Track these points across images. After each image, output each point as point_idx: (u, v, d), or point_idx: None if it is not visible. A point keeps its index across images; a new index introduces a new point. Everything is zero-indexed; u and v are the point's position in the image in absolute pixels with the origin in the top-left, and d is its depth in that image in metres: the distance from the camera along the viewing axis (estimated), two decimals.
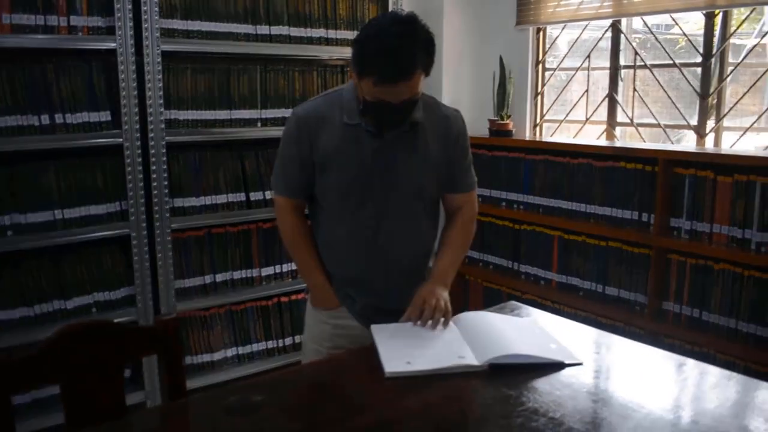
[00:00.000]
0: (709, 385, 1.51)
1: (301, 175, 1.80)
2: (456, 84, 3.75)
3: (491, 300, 3.62)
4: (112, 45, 2.56)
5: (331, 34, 3.12)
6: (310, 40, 3.06)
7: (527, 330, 1.76)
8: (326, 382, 1.54)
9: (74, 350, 1.33)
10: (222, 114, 2.89)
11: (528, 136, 3.66)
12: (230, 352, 3.09)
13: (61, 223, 2.59)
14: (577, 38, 3.50)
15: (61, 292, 2.64)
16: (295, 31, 3.01)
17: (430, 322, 1.71)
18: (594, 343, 1.78)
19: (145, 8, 2.60)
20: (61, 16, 2.49)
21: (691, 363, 1.64)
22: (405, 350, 1.61)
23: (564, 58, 3.60)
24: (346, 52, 3.19)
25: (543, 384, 1.49)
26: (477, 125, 3.78)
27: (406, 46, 1.55)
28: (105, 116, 2.64)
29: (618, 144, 3.22)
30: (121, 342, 1.40)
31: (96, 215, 2.67)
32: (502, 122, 3.50)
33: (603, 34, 3.33)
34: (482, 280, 3.66)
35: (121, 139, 2.63)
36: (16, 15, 2.41)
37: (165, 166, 2.74)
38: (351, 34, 3.17)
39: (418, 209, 1.84)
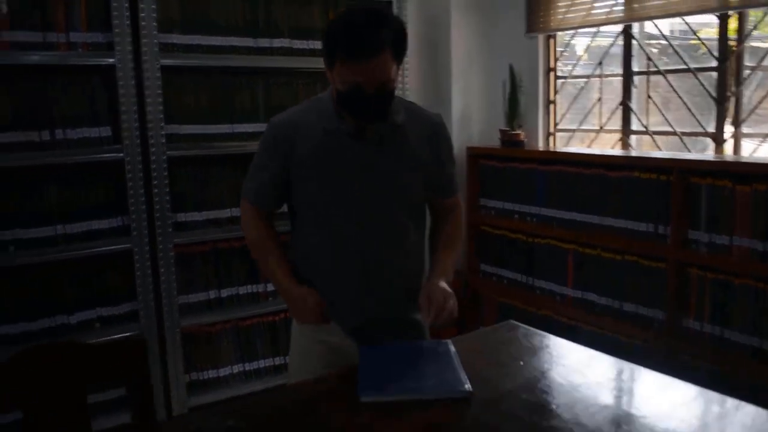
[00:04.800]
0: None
1: (272, 185, 1.75)
2: (465, 94, 3.68)
3: (505, 316, 3.52)
4: (111, 61, 2.56)
5: None
6: (312, 52, 3.03)
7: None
8: (302, 407, 1.47)
9: (37, 374, 1.29)
10: (224, 128, 2.86)
11: (541, 146, 3.57)
12: (236, 368, 3.05)
13: (62, 239, 2.59)
14: (589, 45, 3.41)
15: (64, 307, 2.64)
16: (297, 44, 2.98)
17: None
18: (611, 376, 1.64)
19: (144, 23, 2.59)
20: (60, 33, 2.50)
21: (729, 403, 1.46)
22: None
23: (576, 65, 3.51)
24: None
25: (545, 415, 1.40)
26: (487, 136, 3.71)
27: (373, 23, 1.52)
28: (105, 131, 2.63)
29: (633, 153, 3.11)
30: (87, 364, 1.36)
31: (98, 230, 2.66)
32: (513, 132, 3.42)
33: (615, 40, 3.23)
34: (496, 295, 3.57)
35: (122, 154, 2.62)
36: (16, 32, 2.43)
37: (166, 181, 2.72)
38: None
39: (404, 217, 1.75)
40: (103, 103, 2.62)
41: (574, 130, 3.52)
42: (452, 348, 1.67)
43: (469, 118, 3.73)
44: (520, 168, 3.35)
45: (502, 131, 3.48)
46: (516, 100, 3.44)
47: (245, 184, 1.82)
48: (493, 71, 3.65)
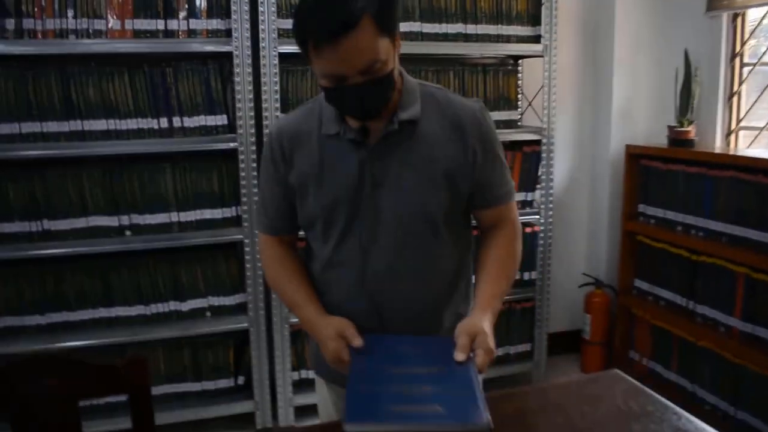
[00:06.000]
0: None
1: (283, 207, 1.47)
2: (629, 84, 3.21)
3: (660, 343, 3.03)
4: (229, 48, 2.51)
5: (471, 29, 2.79)
6: (445, 37, 2.76)
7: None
8: None
9: (26, 384, 1.22)
10: None
11: (718, 146, 2.99)
12: None
13: (176, 226, 2.62)
14: None
15: (177, 294, 2.67)
16: (428, 27, 2.73)
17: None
18: None
19: (263, 9, 2.51)
20: (181, 21, 2.49)
21: None
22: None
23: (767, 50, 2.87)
24: (489, 50, 2.86)
25: None
26: (654, 133, 3.20)
27: None
28: (221, 120, 2.60)
29: None
30: (81, 380, 1.26)
31: (211, 219, 2.66)
32: (681, 129, 2.89)
33: None
34: (650, 317, 3.08)
35: (236, 144, 2.58)
36: (138, 20, 2.45)
37: None
38: (494, 29, 2.82)
39: (423, 237, 1.40)
40: (220, 91, 2.59)
41: (760, 129, 2.89)
42: (472, 365, 1.25)
43: (632, 112, 3.24)
44: (687, 172, 2.82)
45: (669, 128, 2.97)
46: (689, 92, 2.90)
47: (257, 216, 1.57)
48: (665, 57, 3.13)
